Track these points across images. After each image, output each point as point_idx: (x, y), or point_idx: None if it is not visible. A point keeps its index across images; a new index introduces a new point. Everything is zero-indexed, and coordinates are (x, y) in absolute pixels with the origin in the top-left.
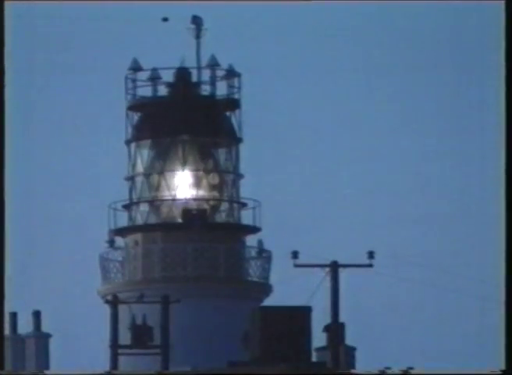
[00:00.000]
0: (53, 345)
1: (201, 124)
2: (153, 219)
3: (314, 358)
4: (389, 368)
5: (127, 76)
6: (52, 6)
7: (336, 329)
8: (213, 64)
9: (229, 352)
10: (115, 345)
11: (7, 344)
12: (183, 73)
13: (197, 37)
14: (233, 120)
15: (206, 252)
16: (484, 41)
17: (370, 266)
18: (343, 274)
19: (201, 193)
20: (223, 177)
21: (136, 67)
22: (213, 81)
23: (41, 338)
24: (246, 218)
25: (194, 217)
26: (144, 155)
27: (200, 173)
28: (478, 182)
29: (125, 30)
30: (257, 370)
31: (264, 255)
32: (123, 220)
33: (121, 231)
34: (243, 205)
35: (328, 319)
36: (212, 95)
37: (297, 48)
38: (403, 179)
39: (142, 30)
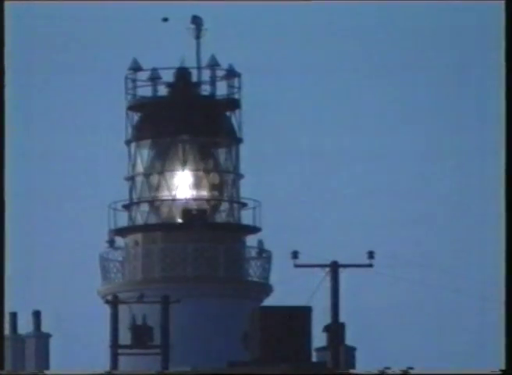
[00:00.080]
0: (53, 345)
1: (201, 124)
2: (153, 219)
3: (314, 358)
4: (388, 368)
5: (127, 76)
6: (52, 6)
7: (336, 329)
8: (213, 64)
9: (229, 352)
10: (115, 345)
11: (7, 344)
12: (183, 73)
13: (197, 37)
14: (233, 120)
15: (206, 252)
16: (484, 41)
17: (370, 266)
18: (343, 274)
19: (201, 193)
20: (223, 177)
21: (136, 67)
22: (213, 81)
23: (41, 338)
24: (246, 218)
25: (194, 217)
26: (143, 155)
27: (201, 173)
28: (478, 182)
29: (125, 30)
30: (257, 370)
31: (264, 255)
32: (123, 220)
33: (121, 231)
34: (243, 205)
35: (328, 319)
36: (212, 95)
37: (297, 48)
38: (403, 179)
39: (142, 30)
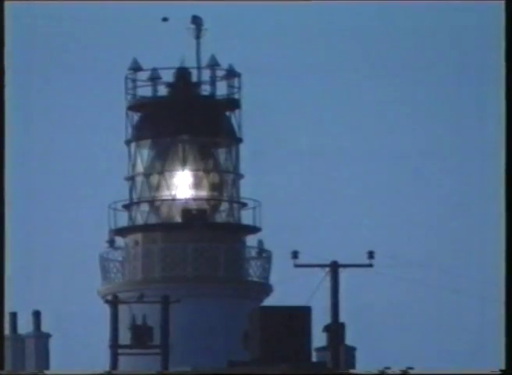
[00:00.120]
0: (53, 345)
1: (201, 124)
2: (153, 219)
3: (314, 358)
4: (388, 368)
5: (127, 76)
6: (52, 6)
7: (336, 329)
8: (213, 64)
9: (229, 352)
10: (115, 345)
11: (7, 344)
12: (183, 73)
13: (197, 37)
14: (233, 120)
15: (206, 252)
16: (484, 41)
17: (370, 266)
18: (343, 274)
19: (201, 193)
20: (223, 177)
21: (136, 67)
22: (213, 81)
23: (41, 338)
24: (246, 218)
25: (194, 217)
26: (143, 155)
27: (200, 172)
28: (478, 182)
29: (125, 30)
30: (257, 370)
31: (264, 255)
32: (123, 220)
33: (121, 231)
34: (243, 205)
35: (328, 319)
36: (212, 95)
37: (297, 48)
38: (403, 179)
39: (142, 30)
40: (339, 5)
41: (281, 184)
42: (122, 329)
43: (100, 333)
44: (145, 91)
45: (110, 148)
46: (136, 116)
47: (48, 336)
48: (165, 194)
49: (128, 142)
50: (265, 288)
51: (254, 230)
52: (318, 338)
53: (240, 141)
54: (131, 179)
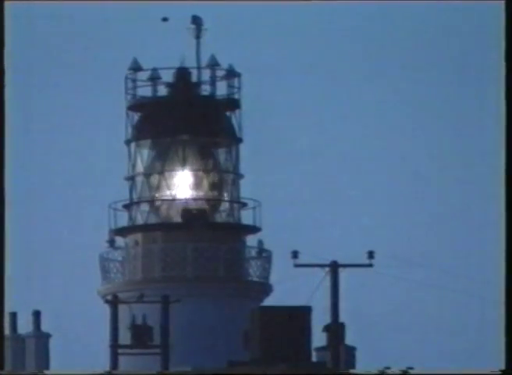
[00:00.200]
0: (53, 345)
1: (201, 124)
2: (153, 219)
3: (314, 358)
4: (388, 368)
5: (127, 76)
6: (52, 6)
7: (336, 329)
8: (213, 64)
9: (229, 352)
10: (115, 345)
11: (7, 344)
12: (183, 73)
13: (197, 37)
14: (233, 120)
15: (206, 252)
16: (484, 41)
17: (370, 265)
18: (343, 274)
19: (201, 193)
20: (223, 177)
21: (136, 67)
22: (213, 81)
23: (41, 338)
24: (246, 218)
25: (194, 217)
26: (144, 155)
27: (200, 172)
28: (478, 182)
29: (125, 30)
30: (257, 370)
31: (264, 254)
32: (123, 220)
33: (121, 231)
34: (243, 205)
35: (328, 319)
36: (212, 95)
37: (297, 48)
38: (403, 179)
39: (142, 30)
40: (339, 5)
41: (281, 184)
42: (122, 329)
43: (100, 333)
44: (145, 91)
45: (110, 148)
46: (136, 116)
47: (48, 336)
48: (165, 194)
49: (128, 142)
50: (265, 288)
51: (254, 230)
52: (318, 338)
53: (240, 141)
54: (131, 179)
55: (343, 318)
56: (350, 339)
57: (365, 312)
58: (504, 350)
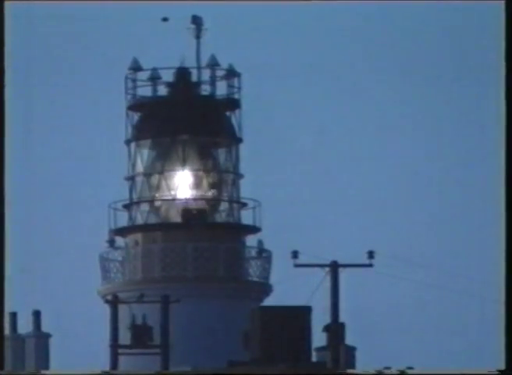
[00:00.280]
0: (53, 345)
1: (201, 124)
2: (153, 219)
3: (314, 358)
4: (388, 368)
5: (127, 76)
6: (52, 6)
7: (336, 329)
8: (213, 64)
9: (229, 352)
10: (115, 345)
11: (7, 344)
12: (183, 72)
13: (197, 37)
14: (233, 120)
15: (206, 252)
16: (484, 41)
17: (370, 265)
18: (343, 274)
19: (201, 193)
20: (222, 177)
21: (136, 67)
22: (213, 81)
23: (41, 338)
24: (246, 218)
25: (194, 217)
26: (143, 155)
27: (201, 172)
28: (478, 182)
29: (125, 30)
30: (257, 370)
31: (264, 255)
32: (123, 220)
33: (121, 231)
34: (243, 204)
35: (328, 319)
36: (212, 95)
37: (297, 48)
38: (403, 179)
39: (142, 30)
40: (339, 5)
41: (281, 184)
42: (122, 329)
43: (100, 333)
44: (145, 90)
45: (110, 148)
46: (136, 116)
47: (47, 336)
48: (165, 194)
49: (128, 142)
50: (265, 288)
51: (253, 230)
52: (318, 338)
53: (240, 141)
54: (131, 179)
55: (343, 318)
56: (350, 339)
57: (365, 312)
58: (504, 350)
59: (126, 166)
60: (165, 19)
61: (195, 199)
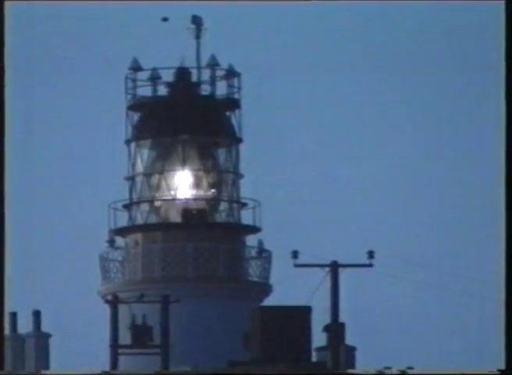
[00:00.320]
0: (53, 345)
1: (201, 124)
2: (153, 219)
3: (314, 358)
4: (388, 368)
5: (127, 76)
6: (52, 6)
7: (336, 329)
8: (213, 64)
9: (229, 352)
10: (115, 345)
11: (7, 344)
12: (183, 72)
13: (197, 37)
14: (233, 120)
15: (206, 252)
16: (484, 41)
17: (370, 265)
18: (343, 274)
19: (201, 193)
20: (222, 177)
21: (136, 67)
22: (213, 81)
23: (41, 338)
24: (246, 218)
25: (194, 217)
26: (143, 155)
27: (200, 172)
28: (478, 182)
29: (125, 30)
30: (257, 370)
31: (264, 255)
32: (123, 220)
33: (121, 231)
34: (243, 204)
35: (328, 319)
36: (212, 95)
37: (297, 48)
38: (404, 179)
39: (142, 30)
40: (339, 5)
41: (281, 184)
42: (122, 329)
43: (100, 333)
44: (145, 90)
45: (110, 148)
46: (136, 116)
47: (47, 336)
48: (165, 193)
49: (128, 142)
50: (265, 288)
51: (253, 230)
52: (318, 338)
53: (240, 141)
54: (131, 179)
55: (343, 318)
56: (350, 339)
57: (365, 312)
58: (504, 350)
59: (126, 166)
60: (165, 19)
61: (195, 199)
